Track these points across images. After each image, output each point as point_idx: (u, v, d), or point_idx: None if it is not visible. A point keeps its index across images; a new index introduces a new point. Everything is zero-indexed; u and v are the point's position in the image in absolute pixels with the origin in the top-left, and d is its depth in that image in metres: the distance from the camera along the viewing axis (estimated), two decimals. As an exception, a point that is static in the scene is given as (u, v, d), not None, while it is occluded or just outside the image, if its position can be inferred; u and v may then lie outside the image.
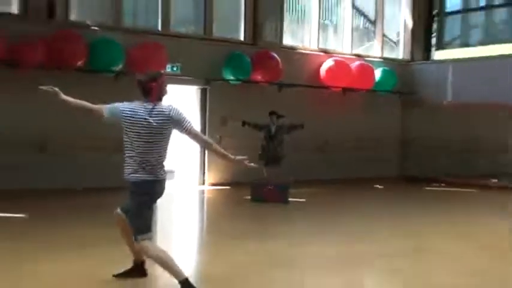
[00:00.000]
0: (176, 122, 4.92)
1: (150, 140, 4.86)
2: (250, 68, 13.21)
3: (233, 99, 13.19)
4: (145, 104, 4.90)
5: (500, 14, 17.36)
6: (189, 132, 4.99)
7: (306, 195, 11.95)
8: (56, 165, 11.29)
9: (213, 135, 13.02)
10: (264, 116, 11.39)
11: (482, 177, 15.53)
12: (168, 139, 5.03)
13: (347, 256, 6.83)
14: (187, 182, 13.27)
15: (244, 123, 11.40)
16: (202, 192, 12.70)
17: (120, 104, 4.98)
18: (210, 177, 13.28)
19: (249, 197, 11.06)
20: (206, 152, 13.03)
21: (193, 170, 13.34)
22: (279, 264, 6.32)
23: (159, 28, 13.03)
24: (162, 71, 4.95)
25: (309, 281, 5.76)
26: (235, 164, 5.16)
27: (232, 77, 13.22)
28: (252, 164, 5.18)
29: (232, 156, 5.07)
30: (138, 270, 5.46)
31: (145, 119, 4.83)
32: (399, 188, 14.64)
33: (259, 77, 13.41)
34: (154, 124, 4.84)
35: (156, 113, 4.87)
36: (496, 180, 15.64)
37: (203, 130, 13.10)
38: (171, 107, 4.95)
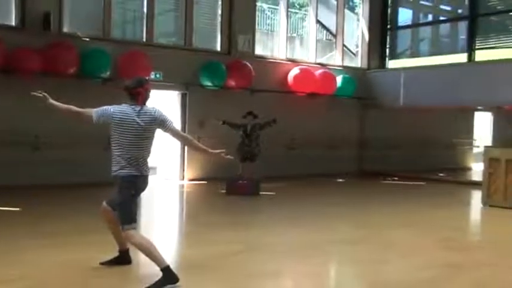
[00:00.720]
0: (160, 122, 4.95)
1: (137, 139, 4.85)
2: (225, 75, 13.16)
3: (210, 104, 13.13)
4: (133, 107, 4.89)
5: (445, 28, 17.57)
6: (172, 130, 5.06)
7: (275, 189, 11.92)
8: (48, 161, 11.07)
9: (192, 135, 13.05)
10: (237, 118, 11.36)
11: (430, 171, 15.71)
12: (153, 138, 5.03)
13: (310, 243, 6.77)
14: (168, 177, 13.15)
15: (224, 122, 11.37)
16: (182, 186, 12.58)
17: (110, 106, 4.93)
18: (189, 173, 13.19)
19: (224, 191, 11.00)
20: (186, 149, 12.97)
21: (173, 167, 13.22)
22: (253, 251, 6.24)
23: (144, 39, 12.89)
24: (147, 78, 5.00)
25: (280, 265, 5.70)
26: (213, 157, 5.22)
27: (209, 84, 13.15)
28: (229, 156, 5.23)
29: (211, 150, 5.18)
30: (123, 258, 5.35)
31: (134, 119, 4.83)
32: (358, 182, 14.69)
33: (233, 84, 13.36)
34: (142, 124, 4.84)
35: (144, 114, 4.87)
36: (442, 174, 15.85)
37: (183, 131, 13.00)
38: (155, 109, 5.00)
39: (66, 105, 5.05)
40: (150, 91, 5.07)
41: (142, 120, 4.84)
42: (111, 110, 4.88)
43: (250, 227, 7.82)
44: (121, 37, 12.86)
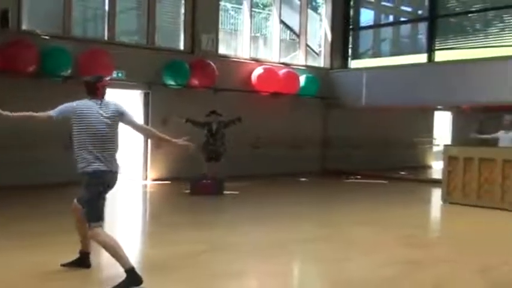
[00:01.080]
0: (121, 114, 4.98)
1: (102, 132, 4.82)
2: (189, 75, 13.09)
3: (173, 103, 13.04)
4: (93, 100, 4.91)
5: (406, 29, 17.85)
6: (133, 123, 5.12)
7: (240, 188, 11.91)
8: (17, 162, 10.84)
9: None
10: (201, 117, 11.33)
11: (392, 170, 15.96)
12: (117, 132, 5.00)
13: (274, 243, 6.79)
14: (131, 178, 12.99)
15: (187, 120, 11.24)
16: (145, 186, 12.46)
17: (72, 103, 4.90)
18: (152, 173, 13.08)
19: (188, 191, 10.91)
20: (149, 149, 12.87)
21: (136, 167, 13.07)
22: (217, 251, 6.23)
23: (106, 38, 12.71)
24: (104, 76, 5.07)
25: (244, 265, 5.70)
26: (178, 147, 5.27)
27: (172, 83, 13.05)
28: (192, 145, 5.25)
29: (174, 140, 5.22)
30: (82, 261, 5.25)
31: (98, 111, 4.85)
32: (321, 181, 14.78)
33: (196, 83, 13.29)
34: (105, 115, 4.86)
35: (105, 106, 4.92)
36: (403, 173, 16.11)
37: (146, 130, 12.96)
38: (115, 102, 5.05)
39: (21, 114, 4.89)
40: (106, 88, 5.09)
41: (105, 111, 4.86)
42: (74, 104, 4.87)
43: (214, 227, 7.76)
44: (82, 35, 12.66)
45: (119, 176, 5.06)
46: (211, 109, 11.41)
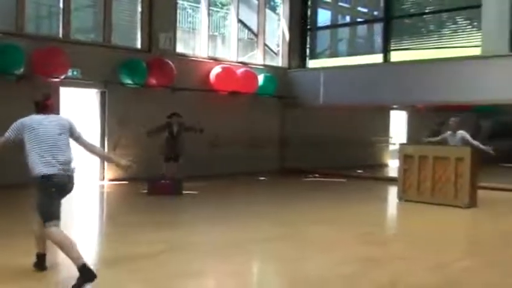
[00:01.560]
0: (69, 128, 5.13)
1: (52, 139, 4.91)
2: (146, 73, 12.94)
3: (130, 102, 12.93)
4: (40, 114, 5.08)
5: (362, 29, 18.11)
6: (80, 139, 5.27)
7: (198, 188, 11.84)
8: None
9: (113, 134, 12.77)
10: (159, 116, 11.27)
11: (350, 168, 16.15)
12: (67, 139, 5.09)
13: (233, 242, 6.79)
14: (88, 178, 12.76)
15: (149, 134, 11.42)
16: (102, 187, 12.26)
17: (20, 120, 5.03)
18: (110, 173, 12.87)
19: (146, 191, 10.81)
20: (105, 149, 12.65)
21: (93, 167, 12.79)
22: (175, 251, 6.17)
23: (60, 35, 12.44)
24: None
25: (203, 265, 5.68)
26: (118, 166, 5.65)
27: (129, 81, 12.88)
28: (134, 166, 5.58)
29: (116, 159, 5.71)
30: (39, 263, 5.17)
31: (44, 122, 4.99)
32: (280, 180, 14.83)
33: (154, 82, 13.17)
34: (53, 124, 5.01)
35: (53, 118, 5.10)
36: (361, 171, 16.33)
37: (102, 130, 12.81)
38: (63, 116, 5.35)
39: None
40: (53, 105, 5.32)
41: (51, 121, 5.04)
42: (21, 120, 5.03)
43: (172, 227, 7.68)
44: (36, 32, 12.37)
45: (75, 179, 5.12)
46: (172, 111, 11.43)
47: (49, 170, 4.82)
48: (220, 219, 8.43)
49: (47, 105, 5.16)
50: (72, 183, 5.05)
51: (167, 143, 11.35)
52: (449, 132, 10.97)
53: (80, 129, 5.30)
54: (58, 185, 4.87)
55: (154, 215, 8.82)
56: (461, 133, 10.80)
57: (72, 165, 5.04)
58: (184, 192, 10.90)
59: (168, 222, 8.20)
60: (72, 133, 5.15)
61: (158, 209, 9.40)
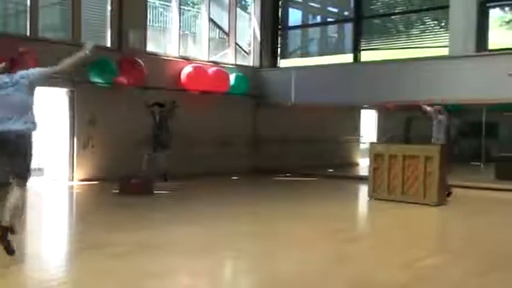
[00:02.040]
0: (28, 75, 5.45)
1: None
2: (116, 72, 12.80)
3: (100, 101, 12.78)
4: (6, 74, 5.44)
5: (333, 29, 18.21)
6: (43, 72, 5.62)
7: (170, 187, 11.77)
8: None
9: (83, 135, 12.62)
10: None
11: (321, 167, 16.25)
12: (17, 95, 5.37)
13: (204, 242, 6.77)
14: (56, 178, 12.59)
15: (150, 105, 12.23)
16: (71, 187, 12.06)
17: None
18: (79, 173, 12.69)
19: (117, 191, 10.72)
20: (75, 148, 12.50)
21: (62, 167, 12.65)
22: (144, 251, 6.11)
23: (28, 33, 12.22)
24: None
25: (173, 265, 5.64)
26: (88, 51, 5.85)
27: (98, 80, 12.73)
28: (91, 43, 5.90)
29: (82, 52, 5.88)
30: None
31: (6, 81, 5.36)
32: (252, 180, 14.83)
33: (124, 81, 12.97)
34: (10, 83, 5.36)
35: (14, 76, 5.41)
36: (332, 170, 16.44)
37: (72, 130, 12.61)
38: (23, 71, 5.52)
39: None
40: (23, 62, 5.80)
41: (11, 79, 5.42)
42: None
43: (142, 227, 7.58)
44: (2, 31, 12.13)
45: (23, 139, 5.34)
46: (154, 101, 11.99)
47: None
48: (191, 218, 8.36)
49: (16, 63, 5.47)
50: (16, 142, 5.22)
51: (153, 133, 11.71)
52: (434, 122, 11.10)
53: (36, 69, 5.55)
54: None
55: (123, 215, 8.71)
56: (441, 117, 11.01)
57: (15, 123, 5.21)
58: (155, 192, 10.84)
59: (137, 222, 8.08)
60: (32, 77, 5.42)
61: (128, 209, 9.28)
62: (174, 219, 8.34)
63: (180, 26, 15.15)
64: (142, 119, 12.81)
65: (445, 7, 13.64)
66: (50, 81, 11.93)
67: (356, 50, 15.53)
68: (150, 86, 13.56)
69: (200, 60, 15.34)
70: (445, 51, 13.65)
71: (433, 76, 13.33)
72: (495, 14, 13.99)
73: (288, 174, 15.43)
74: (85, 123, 12.65)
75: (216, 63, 15.73)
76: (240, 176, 14.80)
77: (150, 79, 13.51)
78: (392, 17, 15.84)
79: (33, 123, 5.41)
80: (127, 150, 12.70)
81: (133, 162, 12.08)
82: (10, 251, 5.15)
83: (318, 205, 10.20)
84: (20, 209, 5.24)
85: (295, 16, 18.27)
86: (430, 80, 13.33)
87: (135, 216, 8.69)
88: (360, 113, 20.30)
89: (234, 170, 15.05)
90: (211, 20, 16.09)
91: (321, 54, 17.49)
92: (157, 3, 15.23)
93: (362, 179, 13.03)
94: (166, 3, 15.25)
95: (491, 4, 13.49)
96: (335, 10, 18.41)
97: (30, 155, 5.44)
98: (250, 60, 17.11)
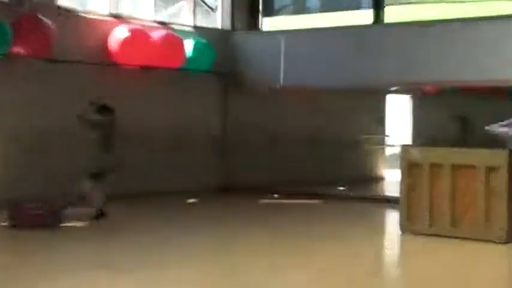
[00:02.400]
0: None
1: None
2: (11, 38, 12.63)
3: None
4: None
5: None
6: None
7: (86, 217, 11.49)
8: None
9: None
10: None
11: (326, 183, 15.95)
12: None
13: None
14: None
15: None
16: None
17: None
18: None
19: (5, 223, 10.63)
20: None
21: None
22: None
23: None
24: None
25: None
26: None
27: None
28: None
29: None
30: None
31: None
32: (220, 204, 14.68)
33: (21, 50, 12.90)
34: None
35: None
36: (343, 188, 16.14)
37: None
38: None
39: None
40: None
41: None
42: None
43: (35, 277, 7.53)
44: None
45: None
46: (100, 103, 11.75)
47: None
48: (104, 270, 8.10)
49: None
50: None
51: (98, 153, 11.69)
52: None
53: None
54: None
55: (17, 260, 8.60)
56: None
57: None
58: (63, 224, 10.83)
59: (31, 271, 7.96)
60: None
61: (22, 251, 9.27)
62: (81, 269, 8.11)
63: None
64: (50, 107, 12.91)
65: None
66: None
67: (378, 6, 15.53)
68: (62, 58, 13.37)
69: (140, 20, 15.21)
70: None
71: (500, 44, 13.03)
72: None
73: (275, 195, 15.36)
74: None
75: (164, 24, 15.65)
76: (200, 198, 14.59)
77: (62, 48, 13.27)
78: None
79: None
80: (24, 153, 12.64)
81: (33, 174, 11.82)
82: None
83: (324, 247, 9.86)
84: None
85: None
86: (496, 50, 13.02)
87: (28, 261, 8.52)
88: (384, 100, 20.26)
89: (189, 189, 14.86)
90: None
91: (324, 10, 17.44)
92: None
93: (390, 202, 13.01)
94: None
95: None
96: None
97: None
98: (217, 20, 16.98)
